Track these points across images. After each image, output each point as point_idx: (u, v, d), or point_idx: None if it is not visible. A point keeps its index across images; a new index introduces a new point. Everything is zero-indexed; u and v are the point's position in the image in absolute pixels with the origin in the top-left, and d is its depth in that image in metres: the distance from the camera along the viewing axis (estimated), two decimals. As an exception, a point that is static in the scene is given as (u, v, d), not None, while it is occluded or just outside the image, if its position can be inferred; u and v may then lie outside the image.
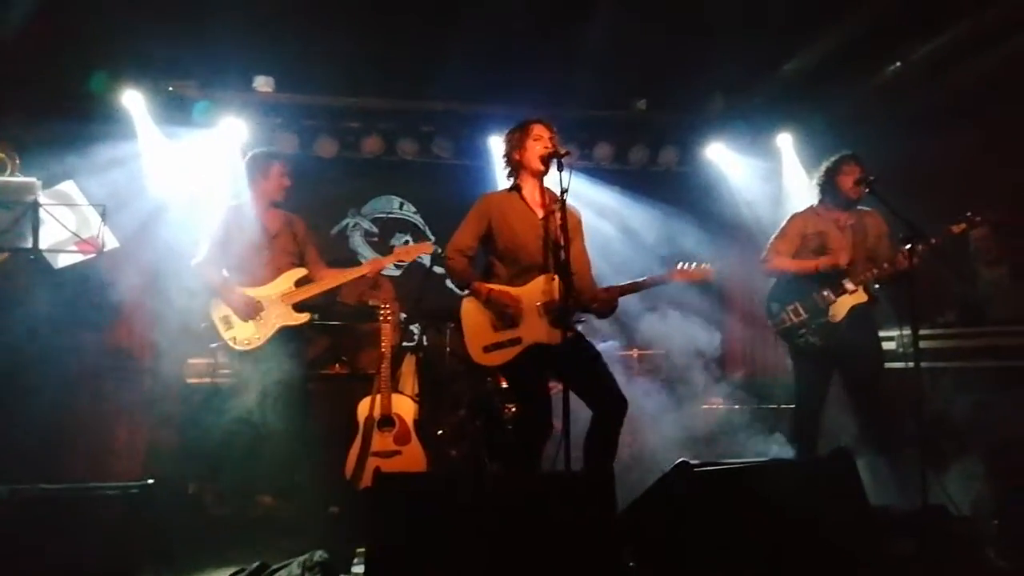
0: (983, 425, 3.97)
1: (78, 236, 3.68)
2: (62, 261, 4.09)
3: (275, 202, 4.20)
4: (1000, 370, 4.26)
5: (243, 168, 4.23)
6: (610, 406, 3.25)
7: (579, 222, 3.56)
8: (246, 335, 3.99)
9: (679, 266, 3.48)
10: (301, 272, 4.18)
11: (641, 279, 3.44)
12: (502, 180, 3.62)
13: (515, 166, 3.49)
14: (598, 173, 6.45)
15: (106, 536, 2.23)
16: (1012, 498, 3.15)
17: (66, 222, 3.64)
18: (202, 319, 4.12)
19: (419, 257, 6.72)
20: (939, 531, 3.12)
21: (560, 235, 3.17)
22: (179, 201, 5.30)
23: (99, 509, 2.34)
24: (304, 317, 4.11)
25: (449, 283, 6.66)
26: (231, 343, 3.98)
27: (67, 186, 4.17)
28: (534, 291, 3.32)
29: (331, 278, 4.22)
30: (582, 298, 3.39)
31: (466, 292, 3.43)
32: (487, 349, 3.31)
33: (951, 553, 3.02)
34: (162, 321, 5.27)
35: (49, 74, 4.86)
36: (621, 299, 3.44)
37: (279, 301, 4.05)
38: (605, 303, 3.40)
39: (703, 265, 3.48)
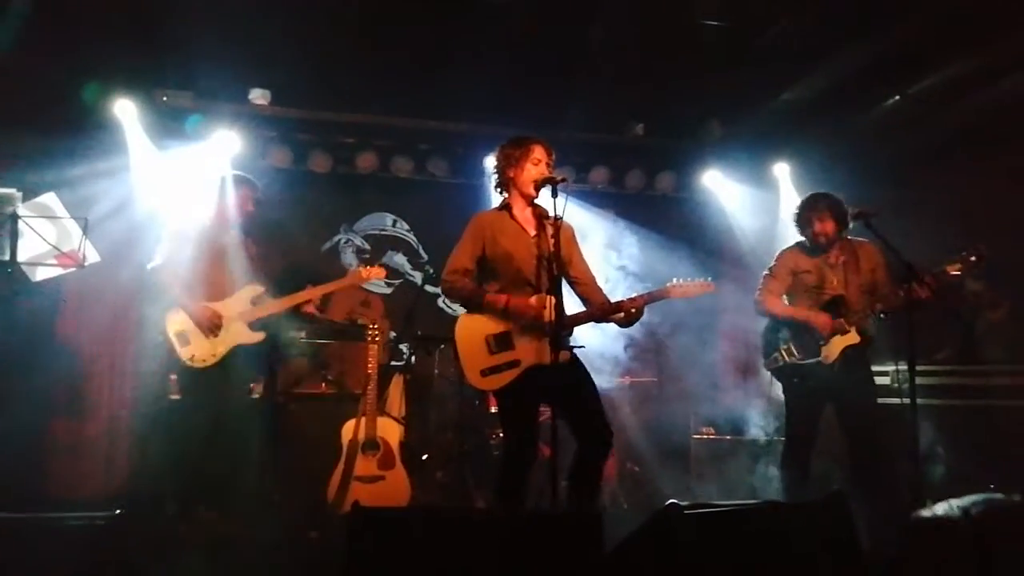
0: (975, 465, 3.92)
1: (58, 249, 3.60)
2: (40, 274, 4.02)
3: (236, 222, 4.18)
4: (994, 409, 4.22)
5: (216, 184, 4.24)
6: (597, 438, 3.18)
7: (572, 234, 3.47)
8: (203, 352, 3.90)
9: (675, 281, 3.35)
10: (258, 290, 4.13)
11: (638, 295, 3.29)
12: (496, 199, 3.52)
13: (507, 183, 3.38)
14: (594, 197, 6.40)
15: (73, 568, 2.12)
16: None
17: (46, 235, 3.57)
18: (158, 333, 4.01)
19: (410, 275, 6.76)
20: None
21: (553, 252, 3.11)
22: (167, 214, 5.11)
23: (68, 538, 2.23)
24: (259, 336, 4.06)
25: (441, 302, 6.60)
26: (188, 361, 3.89)
27: (48, 198, 4.11)
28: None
29: (286, 299, 4.16)
30: (599, 308, 3.29)
31: (473, 309, 3.29)
32: (484, 373, 3.21)
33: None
34: (145, 336, 5.15)
35: (38, 85, 4.74)
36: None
37: (236, 318, 4.00)
38: (630, 312, 3.22)
39: (700, 280, 3.37)
